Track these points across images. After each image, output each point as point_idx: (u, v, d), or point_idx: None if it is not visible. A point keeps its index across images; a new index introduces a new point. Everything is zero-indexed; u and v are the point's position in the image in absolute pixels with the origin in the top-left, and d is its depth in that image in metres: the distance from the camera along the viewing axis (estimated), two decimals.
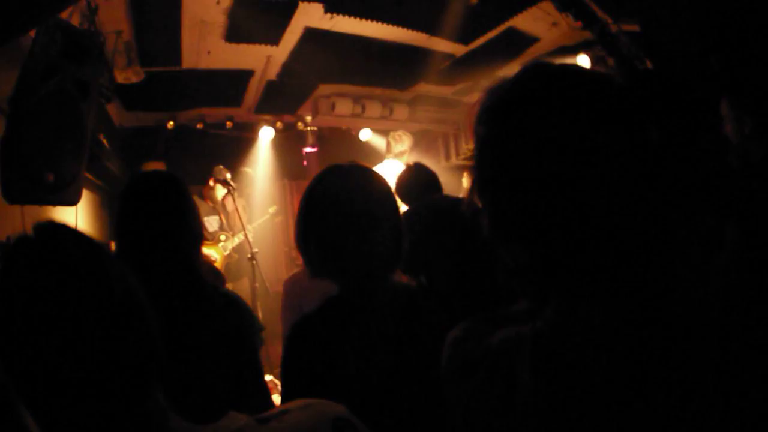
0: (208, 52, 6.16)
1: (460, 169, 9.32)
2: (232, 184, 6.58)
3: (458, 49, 6.80)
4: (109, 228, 6.69)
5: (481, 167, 1.02)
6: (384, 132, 7.53)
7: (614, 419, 0.85)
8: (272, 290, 6.39)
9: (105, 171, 6.24)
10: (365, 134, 9.43)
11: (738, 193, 1.89)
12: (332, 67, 6.96)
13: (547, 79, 0.98)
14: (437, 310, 1.98)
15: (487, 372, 0.98)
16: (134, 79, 5.48)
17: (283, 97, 7.99)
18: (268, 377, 3.75)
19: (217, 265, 6.78)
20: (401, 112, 8.89)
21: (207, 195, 7.15)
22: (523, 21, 6.02)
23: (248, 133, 8.98)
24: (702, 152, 1.91)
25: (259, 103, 8.17)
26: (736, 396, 0.82)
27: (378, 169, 2.04)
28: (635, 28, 4.84)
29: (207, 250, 6.70)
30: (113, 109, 6.97)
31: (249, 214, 7.75)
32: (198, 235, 2.34)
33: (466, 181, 8.86)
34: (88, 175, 5.08)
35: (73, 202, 3.69)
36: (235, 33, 5.76)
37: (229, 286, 6.52)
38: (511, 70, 1.07)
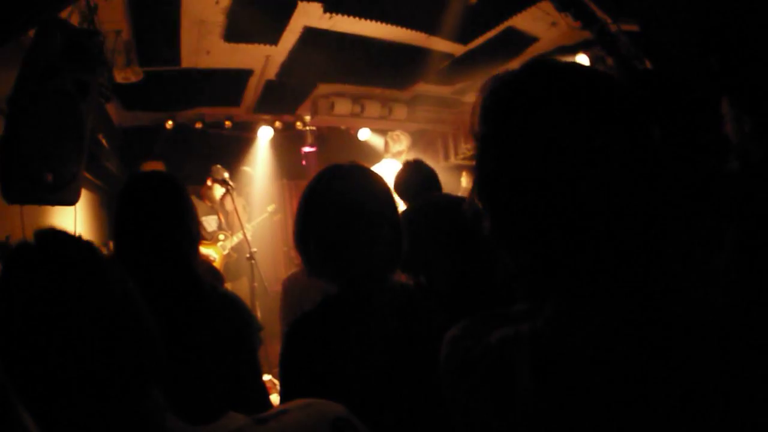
0: (207, 52, 6.16)
1: (459, 168, 9.32)
2: (230, 183, 6.59)
3: (457, 49, 6.80)
4: (108, 228, 6.69)
5: (482, 166, 1.02)
6: (383, 132, 7.54)
7: (614, 419, 0.85)
8: (271, 290, 6.39)
9: (104, 171, 6.24)
10: (364, 134, 9.43)
11: (738, 193, 1.89)
12: (331, 66, 6.95)
13: (549, 78, 0.98)
14: (436, 310, 1.98)
15: (485, 371, 0.98)
16: (133, 79, 5.48)
17: (282, 97, 7.99)
18: (266, 377, 3.74)
19: (216, 264, 6.78)
20: (400, 111, 8.89)
21: (205, 195, 7.15)
22: (523, 21, 6.02)
23: (247, 132, 8.97)
24: (702, 152, 1.92)
25: (258, 103, 8.17)
26: (736, 396, 0.82)
27: (376, 169, 2.04)
28: (634, 28, 4.83)
29: (206, 250, 6.71)
30: (112, 109, 6.97)
31: (249, 213, 7.76)
32: (195, 235, 2.34)
33: (465, 181, 8.87)
34: (87, 175, 5.08)
35: (72, 201, 3.68)
36: (234, 33, 5.75)
37: (229, 285, 6.52)
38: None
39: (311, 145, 9.46)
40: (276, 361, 1.95)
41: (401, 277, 2.12)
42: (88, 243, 1.08)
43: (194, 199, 2.44)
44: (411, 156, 6.06)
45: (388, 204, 1.95)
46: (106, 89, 4.60)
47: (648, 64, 4.74)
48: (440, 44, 6.56)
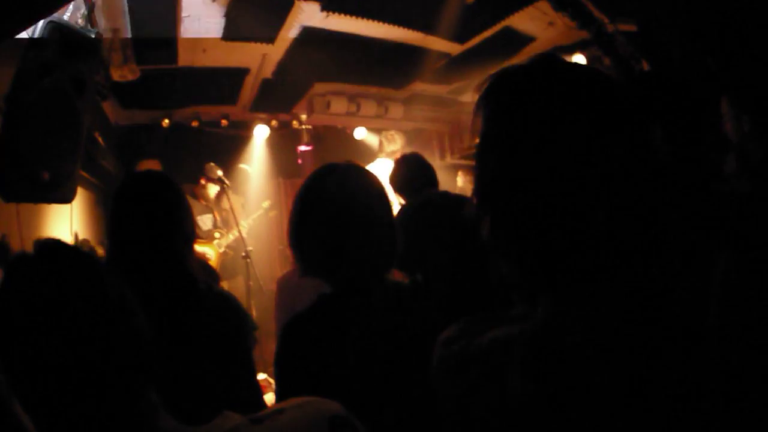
0: (204, 50, 6.14)
1: (455, 167, 9.32)
2: (225, 181, 6.58)
3: (454, 48, 6.79)
4: (104, 226, 6.68)
5: (483, 165, 1.02)
6: (379, 131, 7.53)
7: (607, 419, 0.85)
8: (266, 288, 6.38)
9: (100, 169, 6.23)
10: (360, 133, 9.42)
11: (737, 194, 1.90)
12: (328, 65, 6.94)
13: (550, 77, 0.98)
14: (432, 309, 1.98)
15: (476, 371, 0.99)
16: (130, 77, 5.47)
17: (278, 96, 7.97)
18: (262, 376, 3.75)
19: (212, 263, 6.77)
20: (396, 110, 8.88)
21: (199, 194, 7.14)
22: (520, 20, 6.01)
23: (243, 131, 8.97)
24: (703, 152, 1.92)
25: (254, 102, 8.15)
26: (735, 397, 0.82)
27: (370, 168, 2.04)
28: (632, 28, 4.83)
29: (202, 248, 6.70)
30: (109, 107, 6.95)
31: (247, 211, 7.76)
32: (190, 235, 2.34)
33: (460, 180, 8.87)
34: (83, 173, 5.07)
35: (68, 200, 3.68)
36: (231, 31, 5.74)
37: (225, 284, 6.51)
38: None
39: (307, 144, 9.47)
40: (271, 360, 1.95)
41: (398, 276, 2.12)
42: (85, 252, 1.13)
43: (189, 199, 2.45)
44: None
45: (383, 203, 1.95)
46: (102, 87, 4.60)
47: (645, 65, 4.75)
48: (437, 43, 6.55)
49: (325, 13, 5.54)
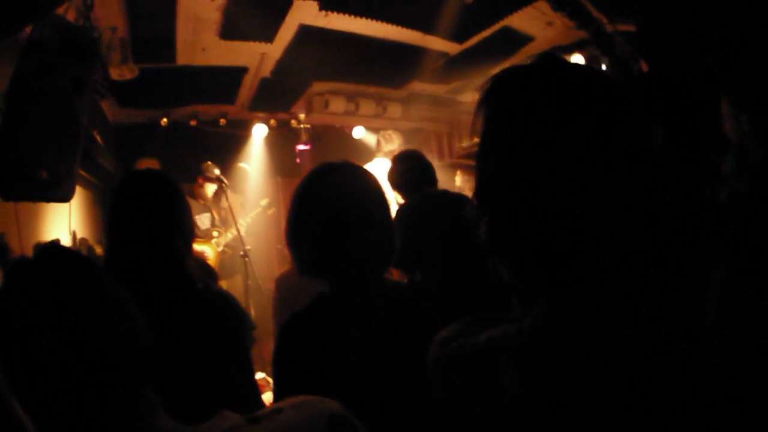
0: (203, 49, 6.14)
1: (454, 167, 9.32)
2: (224, 179, 6.57)
3: (453, 48, 6.80)
4: (102, 225, 6.68)
5: (483, 165, 1.02)
6: (377, 130, 7.54)
7: (605, 419, 0.85)
8: (265, 287, 6.38)
9: (98, 168, 6.23)
10: (358, 132, 9.43)
11: (737, 194, 1.90)
12: (326, 64, 6.95)
13: (550, 78, 0.98)
14: (430, 308, 1.99)
15: (471, 370, 0.98)
16: (128, 76, 5.47)
17: (276, 95, 7.97)
18: (260, 375, 3.74)
19: (211, 262, 6.76)
20: (395, 110, 8.89)
21: (197, 193, 7.12)
22: (518, 20, 6.02)
23: (242, 130, 8.97)
24: (702, 152, 1.92)
25: (252, 101, 8.16)
26: (735, 397, 0.82)
27: (368, 167, 2.04)
28: (630, 28, 4.84)
29: (201, 247, 6.69)
30: (107, 106, 6.95)
31: (245, 210, 7.75)
32: (189, 234, 2.34)
33: (459, 180, 8.87)
34: (82, 172, 5.07)
35: (66, 198, 3.68)
36: (230, 30, 5.73)
37: (223, 283, 6.50)
38: None
39: (306, 143, 9.47)
40: (269, 359, 1.95)
41: (396, 275, 2.12)
42: (85, 256, 1.15)
43: (187, 198, 2.44)
44: None
45: (381, 203, 1.95)
46: (101, 86, 4.60)
47: (644, 65, 4.75)
48: (436, 43, 6.55)
49: (323, 12, 5.54)
